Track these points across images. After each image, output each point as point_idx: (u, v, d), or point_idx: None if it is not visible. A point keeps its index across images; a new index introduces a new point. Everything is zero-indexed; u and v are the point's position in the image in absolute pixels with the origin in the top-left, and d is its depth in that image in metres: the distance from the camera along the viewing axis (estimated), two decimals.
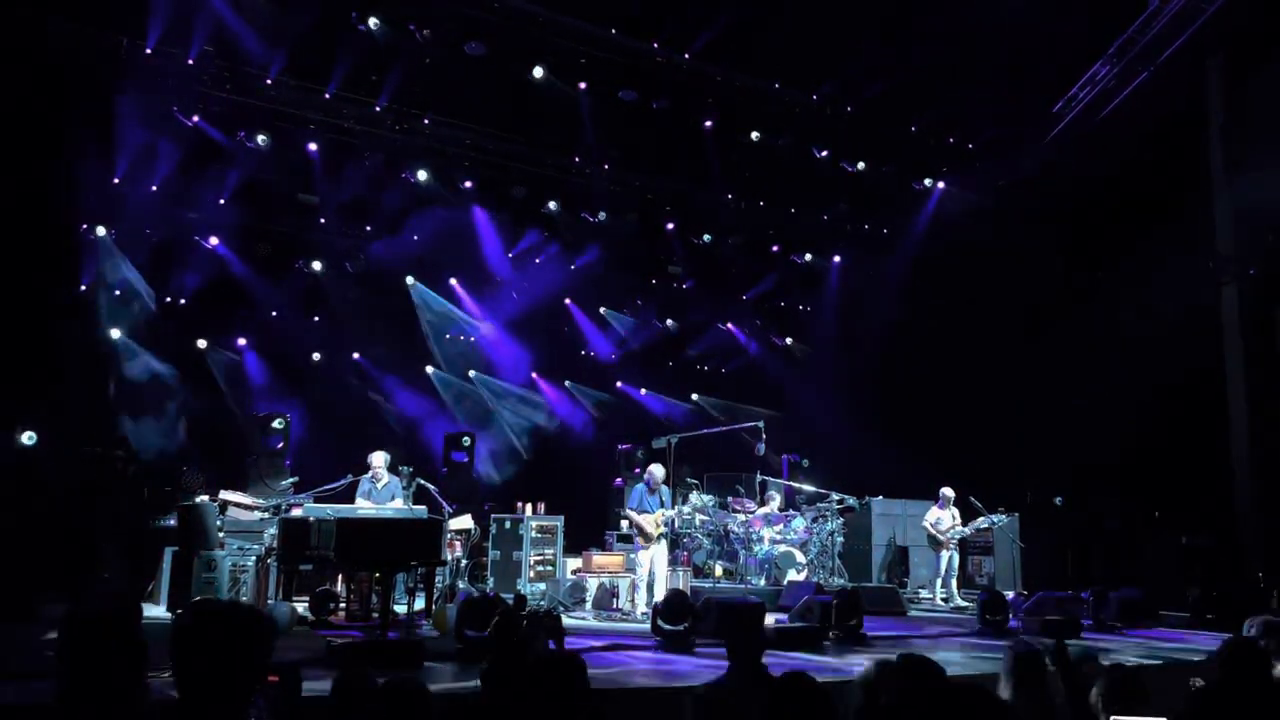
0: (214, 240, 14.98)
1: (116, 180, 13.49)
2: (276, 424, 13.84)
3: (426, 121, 14.50)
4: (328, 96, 13.65)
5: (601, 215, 16.73)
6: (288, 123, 13.91)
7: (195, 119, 13.17)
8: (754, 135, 15.55)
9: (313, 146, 14.10)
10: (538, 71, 13.72)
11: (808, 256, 19.02)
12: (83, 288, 14.38)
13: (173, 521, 11.05)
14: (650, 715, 6.33)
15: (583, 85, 14.08)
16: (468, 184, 15.51)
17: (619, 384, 20.13)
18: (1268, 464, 14.05)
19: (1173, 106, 14.83)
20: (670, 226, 17.37)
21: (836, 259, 18.82)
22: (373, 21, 12.57)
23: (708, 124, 15.06)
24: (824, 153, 15.99)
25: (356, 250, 16.18)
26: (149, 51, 12.29)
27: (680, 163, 16.26)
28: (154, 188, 13.88)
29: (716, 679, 4.57)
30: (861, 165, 16.43)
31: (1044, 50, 14.19)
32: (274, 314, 16.24)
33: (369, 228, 16.07)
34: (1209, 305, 14.82)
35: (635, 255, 17.91)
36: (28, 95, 11.84)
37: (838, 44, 14.05)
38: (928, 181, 17.35)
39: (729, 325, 20.37)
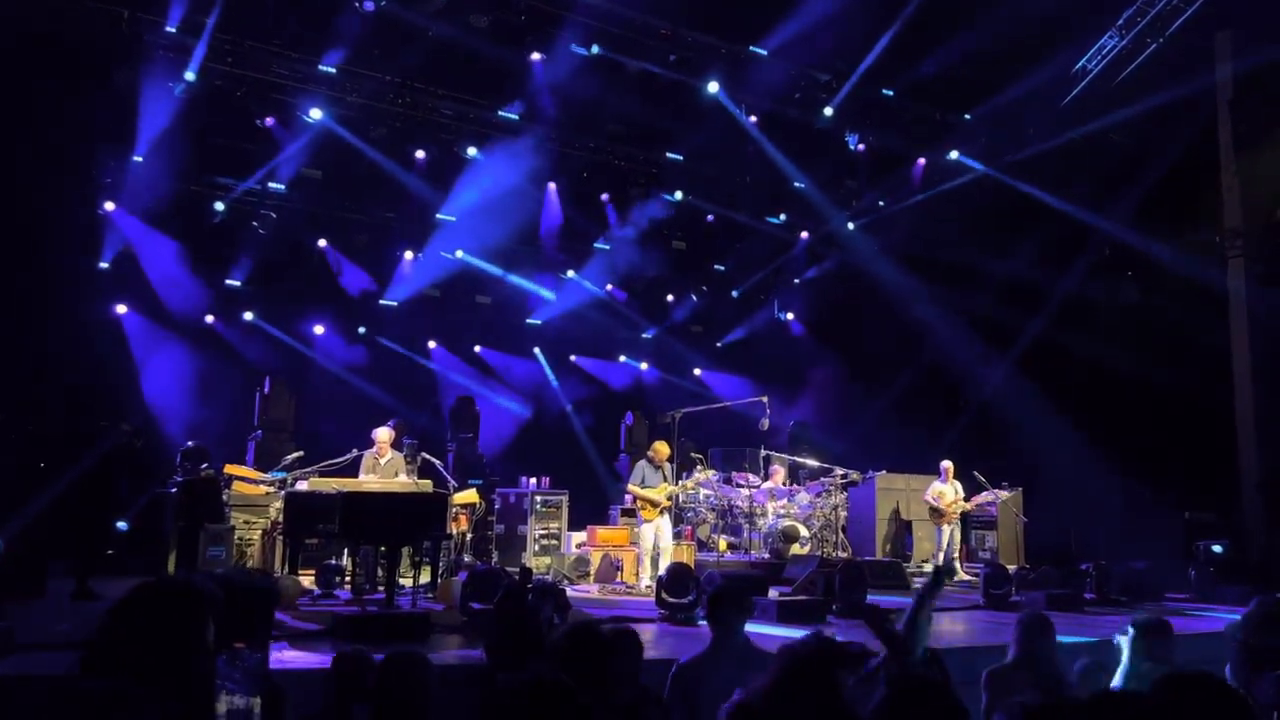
0: (218, 206, 14.97)
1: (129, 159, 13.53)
2: (283, 398, 13.90)
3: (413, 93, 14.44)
4: (333, 70, 13.59)
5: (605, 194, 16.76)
6: (290, 95, 13.87)
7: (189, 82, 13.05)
8: (754, 114, 15.48)
9: (316, 114, 14.03)
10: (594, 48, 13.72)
11: (808, 234, 18.98)
12: (103, 265, 14.47)
13: (179, 495, 11.10)
14: (655, 688, 6.35)
15: (593, 50, 13.95)
16: (471, 150, 15.46)
17: (622, 358, 20.13)
18: (1273, 440, 14.04)
19: (1182, 80, 14.72)
20: (677, 195, 17.31)
21: (847, 227, 18.70)
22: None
23: (710, 91, 14.92)
24: (827, 124, 15.91)
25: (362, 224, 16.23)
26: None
27: (684, 135, 16.19)
28: (160, 162, 13.87)
29: (699, 653, 4.59)
30: (864, 143, 16.36)
31: (1054, 21, 14.09)
32: (280, 287, 16.24)
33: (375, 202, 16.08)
34: (1216, 280, 14.76)
35: (640, 231, 17.85)
36: (39, 71, 11.86)
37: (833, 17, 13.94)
38: (933, 154, 17.25)
39: (733, 295, 20.39)
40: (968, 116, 16.45)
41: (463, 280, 17.56)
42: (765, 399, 12.72)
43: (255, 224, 15.37)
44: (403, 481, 10.79)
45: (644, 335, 19.99)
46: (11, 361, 12.48)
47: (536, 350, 19.21)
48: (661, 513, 11.31)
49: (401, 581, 10.01)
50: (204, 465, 11.07)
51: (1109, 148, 15.73)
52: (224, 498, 10.98)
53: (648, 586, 10.80)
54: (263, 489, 11.25)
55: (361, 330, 17.30)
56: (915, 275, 17.72)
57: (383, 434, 11.22)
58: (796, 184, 17.41)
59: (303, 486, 10.33)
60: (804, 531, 13.48)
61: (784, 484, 14.39)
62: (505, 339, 18.80)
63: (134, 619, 2.63)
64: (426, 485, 10.76)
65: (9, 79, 11.83)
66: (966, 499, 14.03)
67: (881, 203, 18.20)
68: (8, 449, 11.44)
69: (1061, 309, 16.21)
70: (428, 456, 11.49)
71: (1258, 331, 14.37)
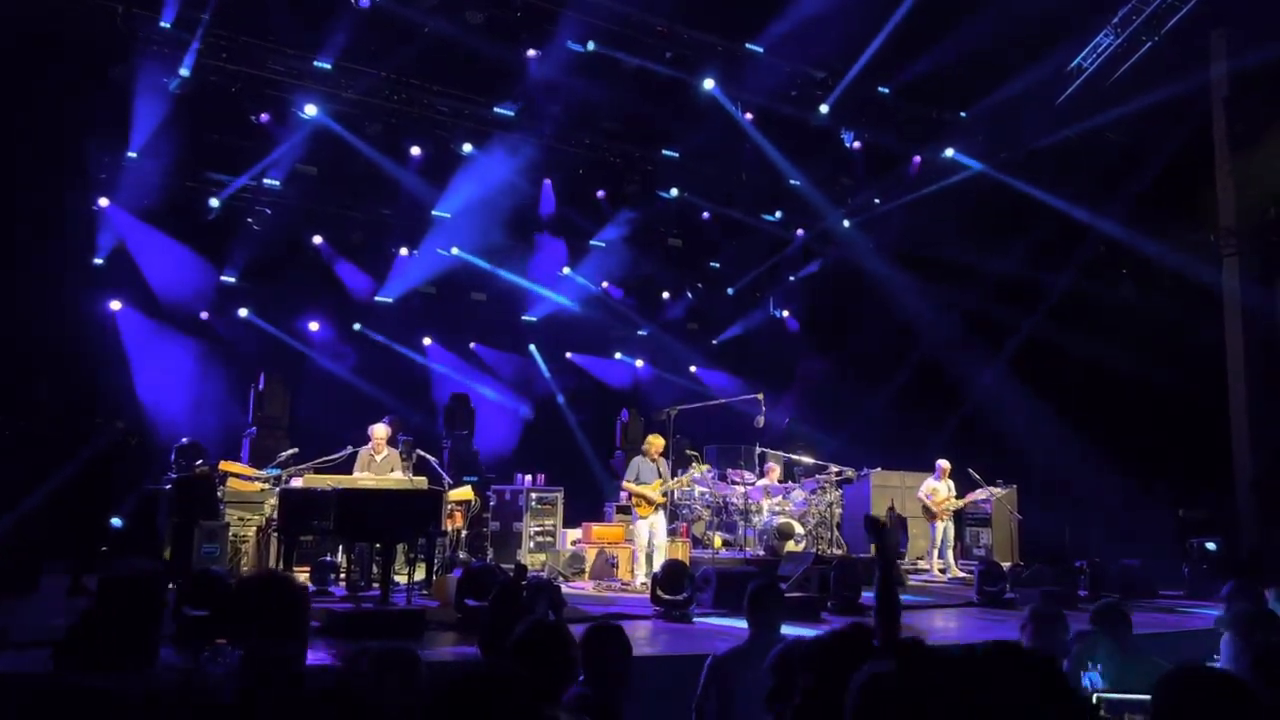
0: (213, 202, 14.95)
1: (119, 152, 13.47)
2: (278, 395, 13.87)
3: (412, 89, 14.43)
4: (328, 66, 13.57)
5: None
6: (285, 91, 13.84)
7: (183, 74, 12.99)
8: (749, 112, 15.47)
9: (311, 110, 14.00)
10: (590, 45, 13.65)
11: (804, 231, 18.99)
12: (98, 261, 14.44)
13: (174, 492, 11.08)
14: (649, 684, 6.36)
15: (589, 46, 13.90)
16: (466, 147, 15.43)
17: (618, 355, 20.13)
18: (1266, 438, 14.07)
19: (1177, 78, 14.73)
20: (673, 193, 17.30)
21: (843, 225, 18.68)
22: None
23: (706, 89, 14.89)
24: (823, 122, 15.90)
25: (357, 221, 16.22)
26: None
27: (680, 132, 16.19)
28: (155, 158, 13.86)
29: (735, 647, 4.61)
30: (860, 140, 16.37)
31: (1049, 19, 14.09)
32: (275, 284, 16.22)
33: (371, 199, 16.07)
34: (1211, 278, 14.79)
35: (636, 228, 17.85)
36: (35, 68, 11.85)
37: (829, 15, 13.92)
38: (929, 152, 17.24)
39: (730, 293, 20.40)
40: (963, 114, 16.44)
41: (458, 277, 17.56)
42: (760, 396, 12.71)
43: (250, 220, 15.36)
44: (398, 478, 10.77)
45: (640, 332, 19.99)
46: (5, 358, 12.45)
47: (532, 347, 19.20)
48: (657, 509, 11.32)
49: (396, 578, 10.00)
50: (198, 462, 11.07)
51: (1104, 146, 15.75)
52: (219, 494, 10.95)
53: (643, 583, 10.80)
54: (258, 485, 11.22)
55: (357, 327, 17.28)
56: (911, 273, 17.73)
57: (379, 430, 11.19)
58: (792, 181, 17.40)
59: (297, 483, 10.31)
60: (799, 528, 13.48)
61: (779, 481, 14.39)
62: (500, 336, 18.79)
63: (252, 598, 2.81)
64: (421, 482, 10.74)
65: (4, 76, 11.80)
66: (959, 497, 14.06)
67: (877, 200, 18.19)
68: (2, 446, 11.42)
69: (1057, 307, 16.23)
70: (423, 453, 11.47)
71: (1252, 330, 14.38)
